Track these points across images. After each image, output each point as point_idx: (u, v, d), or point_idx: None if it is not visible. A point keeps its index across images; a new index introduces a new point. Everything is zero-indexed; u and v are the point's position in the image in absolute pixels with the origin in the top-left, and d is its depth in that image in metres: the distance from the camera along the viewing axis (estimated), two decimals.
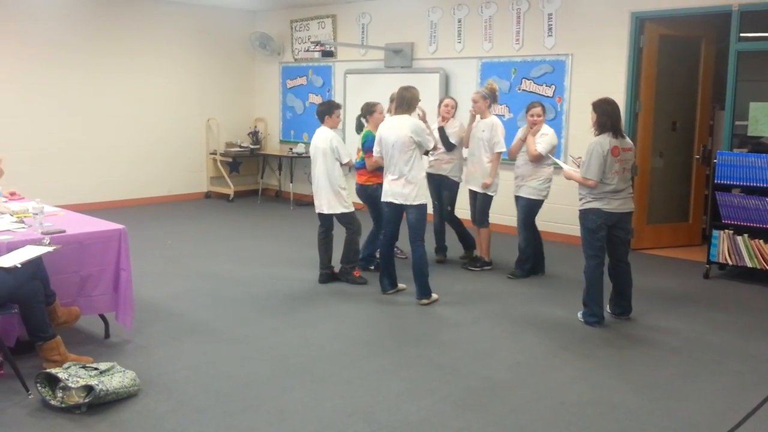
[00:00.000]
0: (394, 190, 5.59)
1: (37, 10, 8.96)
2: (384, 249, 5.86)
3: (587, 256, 5.15)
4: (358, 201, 6.52)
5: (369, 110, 6.31)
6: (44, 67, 9.07)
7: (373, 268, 6.46)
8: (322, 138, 6.05)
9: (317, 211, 6.15)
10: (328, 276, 6.18)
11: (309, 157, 9.99)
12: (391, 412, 3.73)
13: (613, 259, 5.25)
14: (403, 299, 5.74)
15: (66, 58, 9.25)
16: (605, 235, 5.11)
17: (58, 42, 9.17)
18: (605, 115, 5.06)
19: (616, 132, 5.04)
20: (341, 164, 6.04)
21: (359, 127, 6.63)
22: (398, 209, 5.68)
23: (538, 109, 6.27)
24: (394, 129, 5.55)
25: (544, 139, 6.22)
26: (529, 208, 6.37)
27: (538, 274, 6.55)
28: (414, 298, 5.65)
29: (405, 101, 5.60)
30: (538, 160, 6.20)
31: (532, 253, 6.46)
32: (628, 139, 5.20)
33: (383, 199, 5.72)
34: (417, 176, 5.55)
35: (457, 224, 6.96)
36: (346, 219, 6.11)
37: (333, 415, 3.68)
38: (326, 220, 6.17)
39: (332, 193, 6.01)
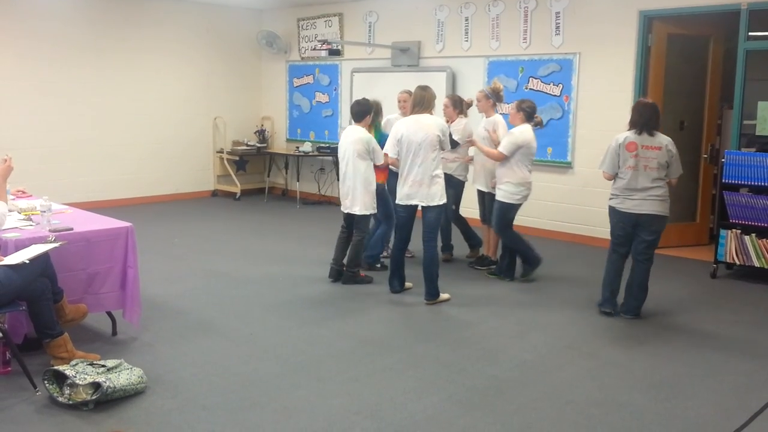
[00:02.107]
0: (417, 192, 5.49)
1: (44, 9, 8.98)
2: (396, 253, 5.83)
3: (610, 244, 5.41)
4: None
5: (378, 111, 6.38)
6: (51, 65, 9.10)
7: (379, 266, 6.49)
8: (357, 139, 5.90)
9: (346, 211, 6.05)
10: (338, 272, 6.16)
11: (315, 155, 10.20)
12: (397, 411, 3.73)
13: (633, 256, 5.32)
14: (410, 298, 5.74)
15: (73, 57, 9.28)
16: (625, 235, 5.22)
17: (65, 40, 9.19)
18: (636, 114, 5.20)
19: (642, 130, 5.10)
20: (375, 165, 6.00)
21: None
22: (414, 212, 5.64)
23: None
24: (421, 128, 5.45)
25: (507, 139, 6.03)
26: (500, 211, 6.15)
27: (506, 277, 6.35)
28: (419, 297, 5.65)
29: (424, 100, 5.56)
30: (500, 160, 6.06)
31: (517, 254, 6.27)
32: (660, 139, 5.14)
33: (402, 202, 5.60)
34: (441, 175, 5.52)
35: (462, 223, 6.95)
36: (367, 221, 6.07)
37: (339, 413, 3.69)
38: (352, 221, 6.12)
39: (368, 194, 5.95)
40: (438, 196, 5.50)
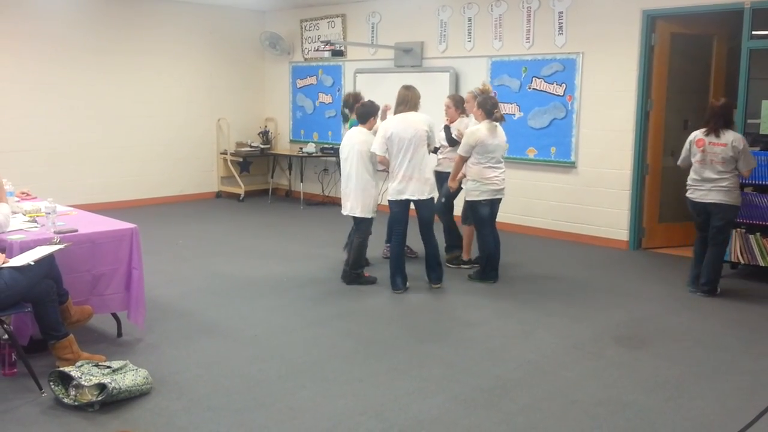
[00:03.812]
0: (410, 188, 5.63)
1: (49, 10, 9.01)
2: (397, 248, 5.85)
3: None
4: None
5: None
6: (56, 66, 9.12)
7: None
8: (363, 140, 5.94)
9: (349, 214, 6.06)
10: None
11: (318, 156, 10.20)
12: (402, 411, 3.74)
13: (708, 240, 5.84)
14: (414, 298, 5.74)
15: (77, 59, 9.30)
16: (702, 221, 5.80)
17: (69, 42, 9.22)
18: (707, 113, 5.83)
19: (710, 130, 5.68)
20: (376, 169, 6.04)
21: (345, 118, 6.65)
22: (406, 207, 5.73)
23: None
24: (410, 125, 5.57)
25: (462, 140, 6.09)
26: (469, 209, 6.28)
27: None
28: (423, 296, 5.66)
29: (407, 99, 5.71)
30: (461, 161, 6.13)
31: (488, 256, 6.17)
32: (727, 137, 5.63)
33: (395, 198, 5.68)
34: (430, 170, 5.72)
35: (447, 220, 6.85)
36: (366, 224, 6.07)
37: (344, 414, 3.69)
38: None
39: (370, 197, 5.97)
40: (428, 190, 5.69)
